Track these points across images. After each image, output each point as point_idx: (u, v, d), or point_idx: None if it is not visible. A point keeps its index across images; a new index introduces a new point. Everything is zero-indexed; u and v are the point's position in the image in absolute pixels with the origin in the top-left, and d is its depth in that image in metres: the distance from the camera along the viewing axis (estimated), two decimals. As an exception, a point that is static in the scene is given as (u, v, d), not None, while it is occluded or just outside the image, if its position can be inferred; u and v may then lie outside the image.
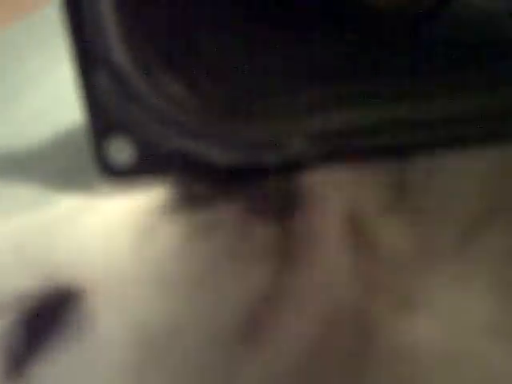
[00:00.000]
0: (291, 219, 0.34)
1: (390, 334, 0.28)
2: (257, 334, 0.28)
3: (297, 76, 0.38)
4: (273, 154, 0.37)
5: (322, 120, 0.37)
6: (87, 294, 0.32)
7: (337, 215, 0.33)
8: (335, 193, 0.35)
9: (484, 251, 0.31)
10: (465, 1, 0.38)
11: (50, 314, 0.31)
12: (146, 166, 0.38)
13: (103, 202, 0.37)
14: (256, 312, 0.29)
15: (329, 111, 0.37)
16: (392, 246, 0.32)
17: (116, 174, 0.38)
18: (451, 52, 0.37)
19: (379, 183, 0.35)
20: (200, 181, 0.37)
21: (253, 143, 0.37)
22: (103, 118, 0.37)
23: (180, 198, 0.36)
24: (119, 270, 0.33)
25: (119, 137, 0.37)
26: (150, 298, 0.31)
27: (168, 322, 0.30)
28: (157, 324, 0.30)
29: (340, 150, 0.37)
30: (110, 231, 0.35)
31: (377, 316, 0.29)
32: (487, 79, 0.36)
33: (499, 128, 0.36)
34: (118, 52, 0.36)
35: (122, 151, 0.37)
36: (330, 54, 0.38)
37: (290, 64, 0.38)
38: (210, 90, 0.37)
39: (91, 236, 0.35)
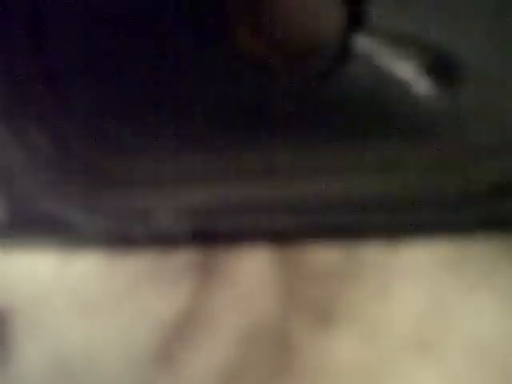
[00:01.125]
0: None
1: (311, 351, 0.28)
2: (173, 356, 0.27)
3: (164, 141, 0.35)
4: (140, 225, 0.34)
5: (187, 193, 0.34)
6: (7, 321, 0.31)
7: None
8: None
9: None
10: (365, 61, 0.34)
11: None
12: (19, 226, 0.34)
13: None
14: (173, 334, 0.28)
15: (197, 184, 0.34)
16: (317, 260, 0.31)
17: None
18: (340, 121, 0.34)
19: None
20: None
21: (118, 212, 0.34)
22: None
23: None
24: (40, 296, 0.32)
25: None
26: (69, 325, 0.30)
27: (85, 349, 0.29)
28: (74, 351, 0.29)
29: (210, 228, 0.34)
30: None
31: (299, 333, 0.28)
32: (377, 159, 0.33)
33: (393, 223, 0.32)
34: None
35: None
36: (203, 118, 0.35)
37: (156, 127, 0.35)
38: (71, 145, 0.34)
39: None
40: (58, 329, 0.30)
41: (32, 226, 0.33)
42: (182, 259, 0.32)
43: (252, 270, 0.31)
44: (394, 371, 0.28)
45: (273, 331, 0.29)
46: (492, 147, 0.32)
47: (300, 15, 0.34)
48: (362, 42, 0.33)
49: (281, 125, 0.33)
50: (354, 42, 0.34)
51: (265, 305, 0.30)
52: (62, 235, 0.33)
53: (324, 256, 0.31)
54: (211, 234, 0.33)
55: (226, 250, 0.32)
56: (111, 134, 0.34)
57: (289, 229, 0.32)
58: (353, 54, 0.34)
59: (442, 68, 0.33)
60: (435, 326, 0.29)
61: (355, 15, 0.33)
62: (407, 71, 0.33)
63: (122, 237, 0.33)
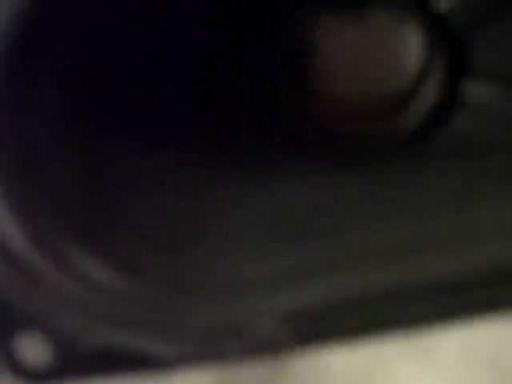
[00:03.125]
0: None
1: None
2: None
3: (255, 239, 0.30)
4: (233, 341, 0.28)
5: (290, 293, 0.29)
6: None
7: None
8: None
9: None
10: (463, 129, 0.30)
11: None
12: (66, 367, 0.29)
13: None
14: None
15: (300, 280, 0.29)
16: None
17: (32, 378, 0.29)
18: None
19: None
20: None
21: (205, 330, 0.29)
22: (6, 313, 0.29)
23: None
24: None
25: (28, 332, 0.29)
26: None
27: None
28: None
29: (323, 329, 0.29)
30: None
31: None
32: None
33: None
34: (9, 228, 0.28)
35: (34, 350, 0.29)
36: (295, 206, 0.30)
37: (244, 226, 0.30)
38: (143, 266, 0.29)
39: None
40: None
41: (84, 363, 0.28)
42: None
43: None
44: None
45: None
46: None
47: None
48: (472, 89, 0.29)
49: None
50: (462, 90, 0.29)
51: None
52: (132, 368, 0.28)
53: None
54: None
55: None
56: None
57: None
58: (461, 104, 0.29)
59: None
60: None
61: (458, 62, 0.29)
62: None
63: (207, 358, 0.27)
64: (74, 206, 0.30)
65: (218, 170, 0.30)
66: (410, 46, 0.30)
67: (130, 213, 0.29)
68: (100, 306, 0.29)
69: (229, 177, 0.29)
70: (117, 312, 0.29)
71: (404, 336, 0.28)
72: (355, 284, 0.28)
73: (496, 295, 0.28)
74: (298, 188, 0.29)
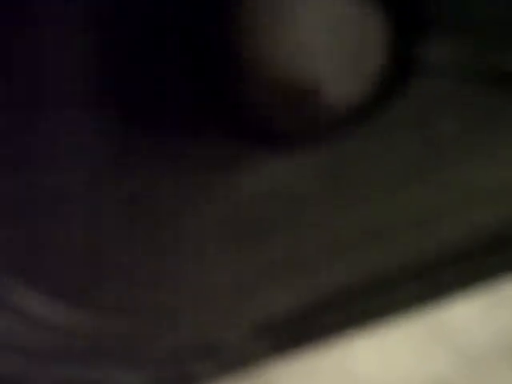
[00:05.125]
0: None
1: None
2: None
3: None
4: (202, 361, 0.26)
5: (260, 299, 0.27)
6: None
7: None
8: None
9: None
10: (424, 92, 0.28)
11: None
12: None
13: None
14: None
15: (269, 284, 0.27)
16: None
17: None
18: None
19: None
20: None
21: (170, 354, 0.26)
22: None
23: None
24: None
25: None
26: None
27: None
28: None
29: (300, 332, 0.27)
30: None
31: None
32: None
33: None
34: None
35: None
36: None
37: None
38: (96, 294, 0.27)
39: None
40: None
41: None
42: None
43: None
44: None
45: None
46: None
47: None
48: (428, 49, 0.27)
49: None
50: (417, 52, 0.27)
51: None
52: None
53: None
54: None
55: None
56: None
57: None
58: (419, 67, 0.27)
59: None
60: None
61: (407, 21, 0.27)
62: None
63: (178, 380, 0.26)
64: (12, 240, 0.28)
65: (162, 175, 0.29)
66: (350, 13, 0.27)
67: (74, 239, 0.29)
68: (46, 343, 0.26)
69: (179, 183, 0.28)
70: (67, 346, 0.26)
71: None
72: (328, 281, 0.28)
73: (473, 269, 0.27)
74: (253, 181, 0.28)
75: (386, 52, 0.27)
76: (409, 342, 0.28)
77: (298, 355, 0.27)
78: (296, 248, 0.28)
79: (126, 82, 0.28)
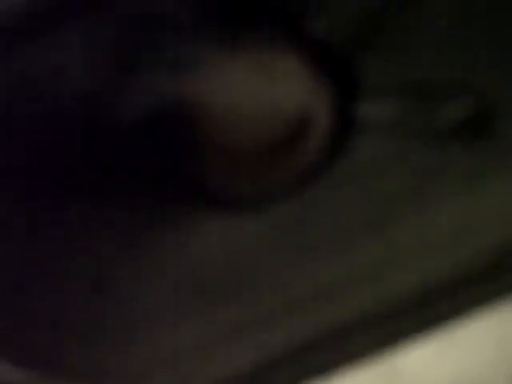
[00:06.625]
0: None
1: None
2: None
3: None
4: None
5: (217, 357, 0.27)
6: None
7: None
8: None
9: None
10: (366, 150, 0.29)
11: None
12: None
13: None
14: None
15: (225, 343, 0.28)
16: None
17: None
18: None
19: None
20: None
21: None
22: None
23: None
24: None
25: None
26: None
27: None
28: None
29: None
30: None
31: None
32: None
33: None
34: None
35: None
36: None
37: None
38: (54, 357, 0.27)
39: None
40: None
41: None
42: None
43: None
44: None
45: None
46: None
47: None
48: (368, 109, 0.28)
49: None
50: (358, 112, 0.28)
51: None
52: None
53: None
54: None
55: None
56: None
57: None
58: (360, 126, 0.28)
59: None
60: None
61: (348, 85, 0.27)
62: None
63: None
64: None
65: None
66: (293, 81, 0.28)
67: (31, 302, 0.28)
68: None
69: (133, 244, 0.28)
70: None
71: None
72: (280, 338, 0.28)
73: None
74: (201, 242, 0.28)
75: (329, 112, 0.28)
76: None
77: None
78: (247, 307, 0.28)
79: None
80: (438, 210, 0.28)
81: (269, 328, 0.27)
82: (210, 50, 0.27)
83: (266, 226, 0.28)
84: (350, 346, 0.27)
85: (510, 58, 0.28)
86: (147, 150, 0.28)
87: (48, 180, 0.27)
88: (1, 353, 0.26)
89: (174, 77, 0.27)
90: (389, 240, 0.28)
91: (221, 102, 0.28)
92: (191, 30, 0.27)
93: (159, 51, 0.27)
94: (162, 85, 0.27)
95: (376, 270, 0.28)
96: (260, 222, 0.28)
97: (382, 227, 0.28)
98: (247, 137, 0.28)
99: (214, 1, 0.27)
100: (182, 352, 0.27)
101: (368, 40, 0.27)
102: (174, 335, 0.27)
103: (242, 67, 0.27)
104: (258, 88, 0.28)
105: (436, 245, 0.28)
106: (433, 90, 0.28)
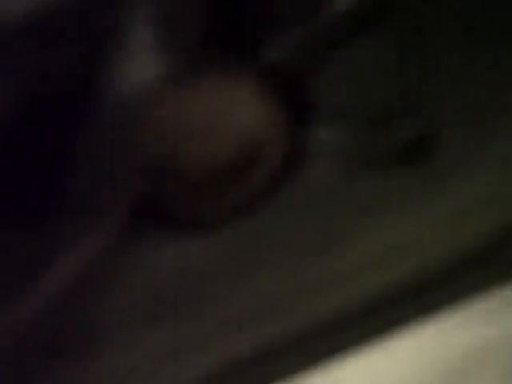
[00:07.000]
0: None
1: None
2: None
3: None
4: None
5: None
6: None
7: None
8: None
9: None
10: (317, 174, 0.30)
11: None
12: None
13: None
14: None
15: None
16: None
17: None
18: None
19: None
20: None
21: None
22: None
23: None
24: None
25: None
26: None
27: None
28: None
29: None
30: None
31: None
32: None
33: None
34: None
35: None
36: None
37: None
38: None
39: None
40: None
41: None
42: None
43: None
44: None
45: None
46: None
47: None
48: (320, 134, 0.29)
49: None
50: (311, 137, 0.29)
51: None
52: None
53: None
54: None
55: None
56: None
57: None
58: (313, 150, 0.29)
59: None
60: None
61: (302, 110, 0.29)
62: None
63: None
64: None
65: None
66: (249, 106, 0.29)
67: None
68: None
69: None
70: None
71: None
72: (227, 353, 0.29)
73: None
74: (158, 261, 0.29)
75: (282, 137, 0.29)
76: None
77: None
78: (201, 320, 0.29)
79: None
80: (382, 229, 0.30)
81: (217, 343, 0.28)
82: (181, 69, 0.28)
83: (218, 245, 0.29)
84: (293, 360, 0.28)
85: (455, 83, 0.30)
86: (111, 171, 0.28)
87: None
88: None
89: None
90: (335, 257, 0.29)
91: (182, 120, 0.28)
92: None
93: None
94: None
95: (322, 285, 0.29)
96: (212, 241, 0.29)
97: (329, 245, 0.29)
98: (203, 159, 0.29)
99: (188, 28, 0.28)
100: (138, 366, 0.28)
101: (318, 67, 0.29)
102: (129, 351, 0.28)
103: (203, 91, 0.28)
104: (216, 112, 0.28)
105: (376, 263, 0.29)
106: (380, 115, 0.29)
